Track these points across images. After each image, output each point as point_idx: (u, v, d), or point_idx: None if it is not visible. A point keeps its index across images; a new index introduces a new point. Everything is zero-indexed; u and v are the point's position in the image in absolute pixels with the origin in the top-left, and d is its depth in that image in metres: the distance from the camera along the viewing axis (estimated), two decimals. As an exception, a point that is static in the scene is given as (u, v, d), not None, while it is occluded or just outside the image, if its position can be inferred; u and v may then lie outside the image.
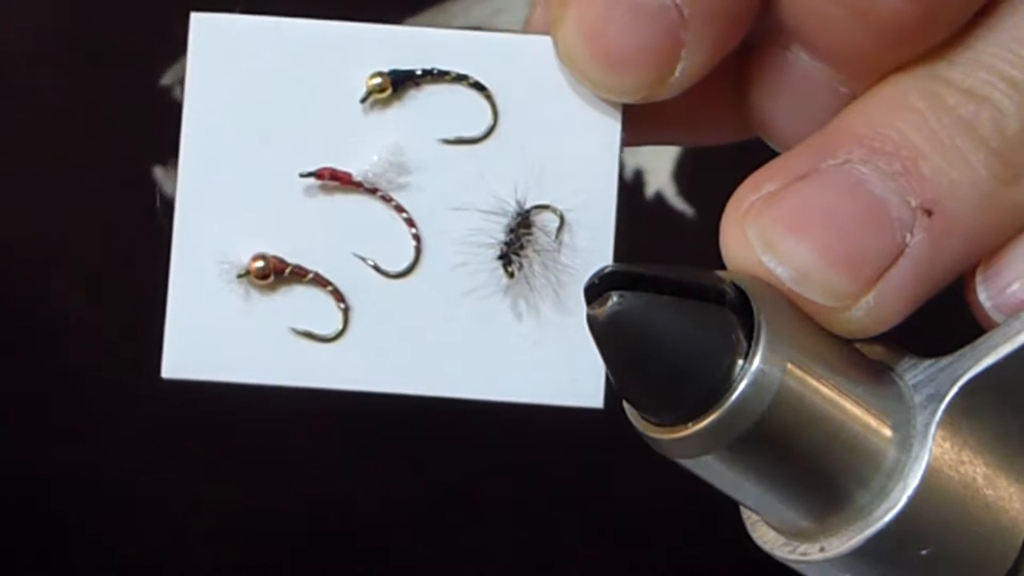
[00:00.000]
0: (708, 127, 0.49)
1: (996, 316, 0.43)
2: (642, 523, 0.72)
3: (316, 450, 0.72)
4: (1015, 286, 0.43)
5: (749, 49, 0.46)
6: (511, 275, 0.45)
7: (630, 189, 0.70)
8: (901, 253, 0.42)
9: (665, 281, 0.41)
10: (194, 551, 0.73)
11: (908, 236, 0.42)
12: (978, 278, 0.43)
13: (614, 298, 0.41)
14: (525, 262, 0.46)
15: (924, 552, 0.41)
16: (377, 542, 0.73)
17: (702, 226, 0.62)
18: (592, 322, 0.42)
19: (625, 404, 0.43)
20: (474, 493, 0.72)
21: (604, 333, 0.42)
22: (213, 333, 0.46)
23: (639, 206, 0.70)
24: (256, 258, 0.45)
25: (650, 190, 0.69)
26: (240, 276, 0.45)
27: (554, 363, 0.46)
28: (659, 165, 0.71)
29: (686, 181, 0.70)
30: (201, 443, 0.71)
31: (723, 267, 0.43)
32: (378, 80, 0.45)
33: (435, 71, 0.46)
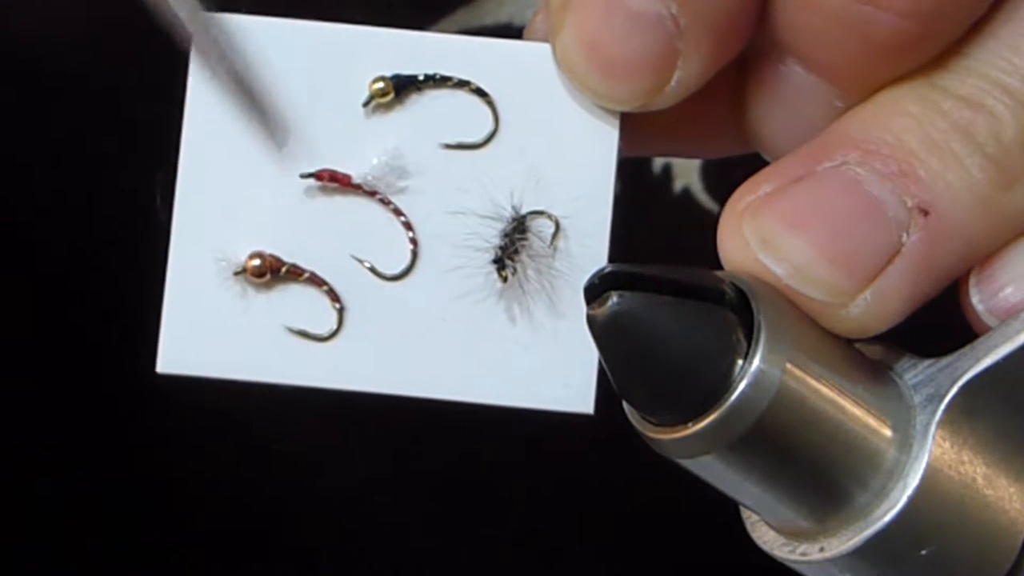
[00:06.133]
0: (706, 140, 0.49)
1: (989, 320, 0.43)
2: (641, 523, 0.72)
3: (310, 446, 0.72)
4: (1008, 290, 0.43)
5: (746, 62, 0.46)
6: (504, 279, 0.45)
7: (657, 183, 0.69)
8: (898, 252, 0.42)
9: (665, 281, 0.42)
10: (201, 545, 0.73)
11: (904, 235, 0.42)
12: (971, 281, 0.43)
13: (614, 298, 0.41)
14: (519, 267, 0.46)
15: (924, 552, 0.41)
16: (376, 539, 0.72)
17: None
18: (592, 322, 0.42)
19: (625, 404, 0.43)
20: (473, 489, 0.72)
21: (604, 333, 0.42)
22: (208, 329, 0.45)
23: (666, 201, 0.70)
24: (253, 256, 0.45)
25: (678, 185, 0.69)
26: (237, 273, 0.45)
27: (546, 368, 0.46)
28: (688, 160, 0.70)
29: (714, 178, 0.70)
30: (203, 436, 0.70)
31: None
32: (381, 84, 0.46)
33: (437, 76, 0.46)
